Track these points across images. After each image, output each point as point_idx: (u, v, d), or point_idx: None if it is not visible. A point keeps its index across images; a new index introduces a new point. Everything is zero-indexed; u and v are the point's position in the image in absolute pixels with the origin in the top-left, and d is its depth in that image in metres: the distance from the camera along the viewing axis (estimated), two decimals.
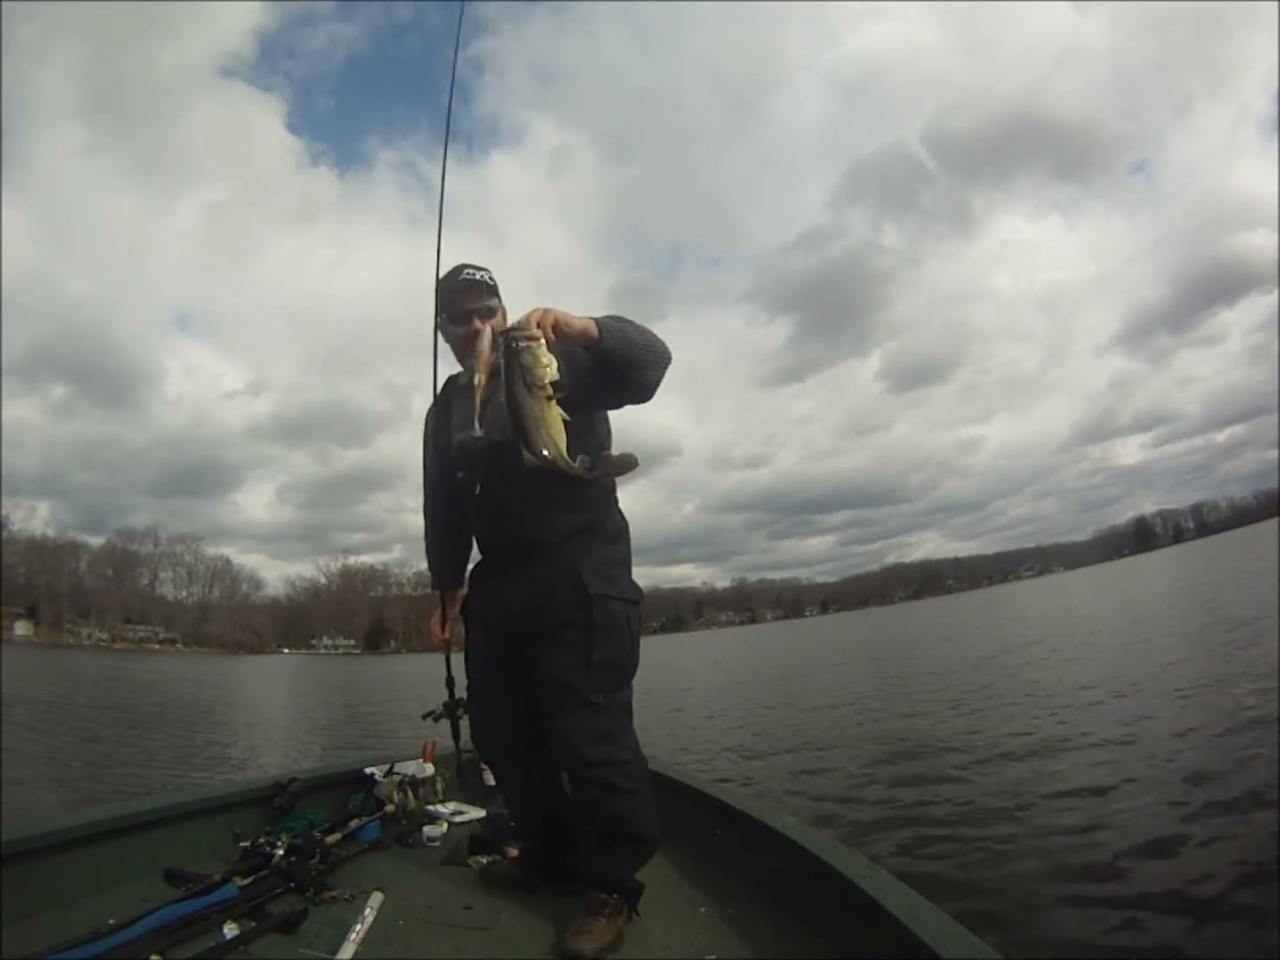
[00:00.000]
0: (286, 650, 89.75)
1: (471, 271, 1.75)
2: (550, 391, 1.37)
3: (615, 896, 1.53)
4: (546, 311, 1.40)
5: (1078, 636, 13.93)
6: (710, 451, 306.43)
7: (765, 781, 5.51)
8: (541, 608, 1.60)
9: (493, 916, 1.60)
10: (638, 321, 1.55)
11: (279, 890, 1.67)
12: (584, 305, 1.52)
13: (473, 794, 2.63)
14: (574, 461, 1.42)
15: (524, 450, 1.42)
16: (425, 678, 21.16)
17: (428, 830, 2.22)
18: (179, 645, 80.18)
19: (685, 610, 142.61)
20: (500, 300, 1.78)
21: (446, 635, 1.93)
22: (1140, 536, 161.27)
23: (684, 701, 11.48)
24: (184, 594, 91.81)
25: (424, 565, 2.00)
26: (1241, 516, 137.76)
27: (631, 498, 1.82)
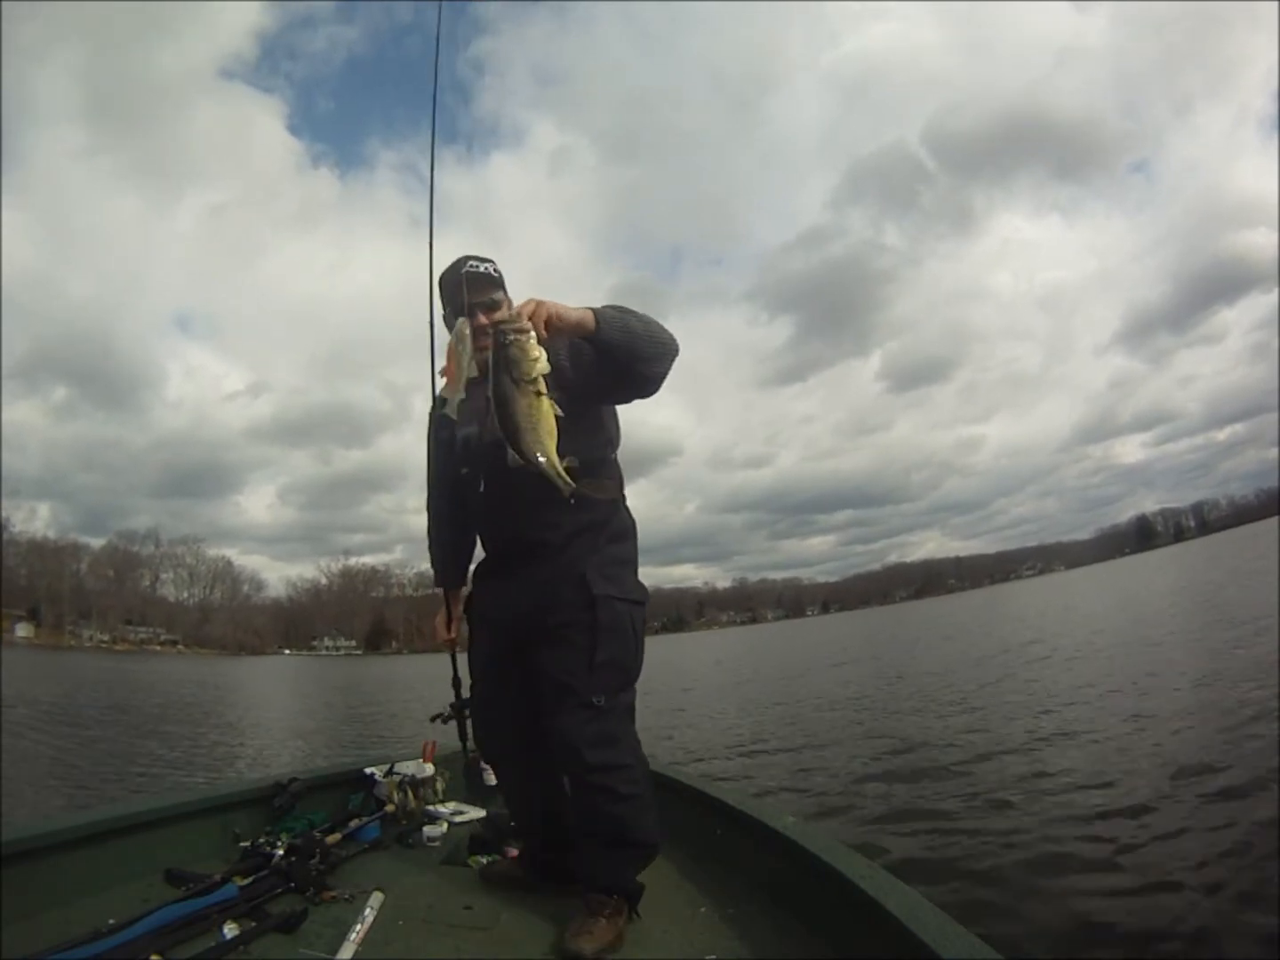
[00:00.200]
0: (287, 651, 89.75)
1: (475, 263, 1.71)
2: (540, 387, 1.32)
3: (615, 897, 1.52)
4: (540, 304, 1.36)
5: (1079, 635, 13.91)
6: (711, 451, 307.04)
7: (766, 780, 5.50)
8: (545, 608, 1.59)
9: (493, 916, 1.59)
10: (641, 312, 1.51)
11: (279, 890, 1.67)
12: (585, 305, 1.48)
13: (473, 794, 2.63)
14: (561, 463, 1.36)
15: (510, 451, 1.38)
16: (426, 678, 21.22)
17: (428, 830, 2.22)
18: (180, 647, 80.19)
19: (686, 610, 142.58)
20: (506, 292, 1.74)
21: (452, 635, 1.91)
22: (1141, 535, 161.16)
23: (686, 701, 11.47)
24: (185, 595, 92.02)
25: (425, 566, 1.98)
26: (1242, 515, 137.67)
27: (633, 498, 1.79)
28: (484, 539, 1.77)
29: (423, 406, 1.93)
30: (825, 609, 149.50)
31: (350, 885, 1.72)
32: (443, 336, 1.80)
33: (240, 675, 33.76)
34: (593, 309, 1.43)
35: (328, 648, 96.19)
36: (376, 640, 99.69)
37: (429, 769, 2.49)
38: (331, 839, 1.97)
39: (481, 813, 2.42)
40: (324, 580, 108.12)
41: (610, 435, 1.71)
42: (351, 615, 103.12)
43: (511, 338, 1.32)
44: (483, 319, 1.65)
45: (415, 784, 2.41)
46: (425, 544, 1.96)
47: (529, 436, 1.32)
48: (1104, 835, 3.43)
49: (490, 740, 1.82)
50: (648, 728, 1.72)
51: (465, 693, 1.96)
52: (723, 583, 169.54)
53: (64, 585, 76.09)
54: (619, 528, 1.69)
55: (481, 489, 1.66)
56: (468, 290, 1.67)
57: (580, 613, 1.57)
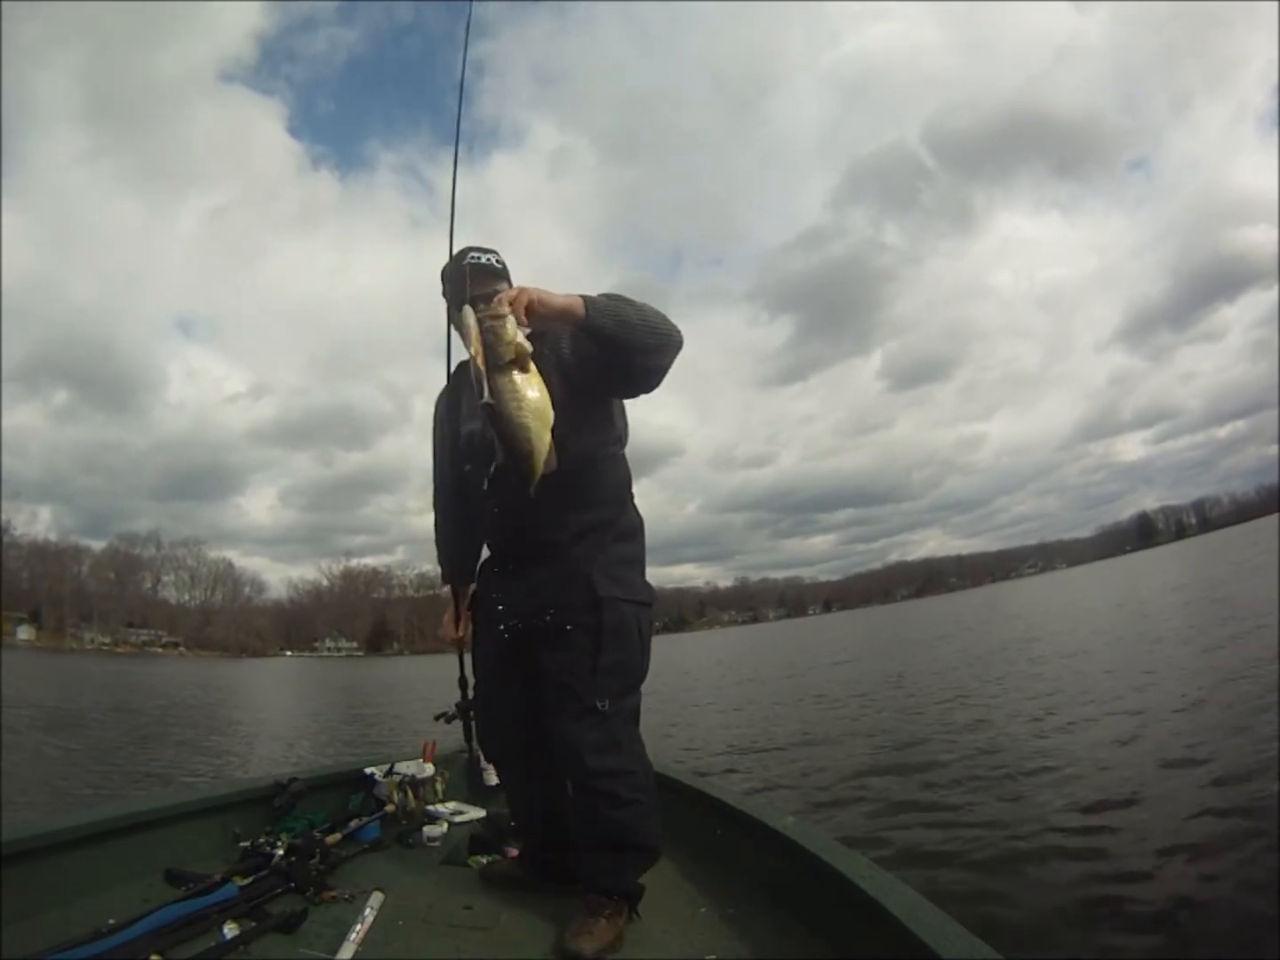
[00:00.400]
0: (289, 653, 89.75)
1: (478, 255, 1.67)
2: (515, 358, 1.29)
3: (615, 897, 1.52)
4: (521, 290, 1.33)
5: (1080, 633, 13.91)
6: (713, 451, 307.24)
7: (767, 779, 5.50)
8: (549, 609, 1.56)
9: (493, 916, 1.59)
10: (642, 302, 1.46)
11: (279, 890, 1.66)
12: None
13: (473, 794, 2.63)
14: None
15: (496, 442, 1.32)
16: (427, 679, 21.23)
17: (428, 830, 2.22)
18: (181, 649, 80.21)
19: (688, 610, 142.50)
20: (510, 283, 1.69)
21: (460, 634, 1.87)
22: (1143, 533, 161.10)
23: (687, 701, 11.46)
24: (186, 597, 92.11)
25: (426, 567, 2.00)
26: (1244, 512, 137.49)
27: (635, 498, 1.75)
28: (488, 538, 1.74)
29: (424, 407, 1.92)
30: (827, 608, 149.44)
31: (350, 885, 1.71)
32: (437, 337, 1.77)
33: (242, 677, 33.78)
34: (584, 296, 1.39)
35: (329, 649, 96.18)
36: (378, 642, 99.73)
37: (429, 769, 2.49)
38: (331, 839, 1.96)
39: (481, 813, 2.42)
40: (325, 582, 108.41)
41: (619, 432, 1.67)
42: (353, 617, 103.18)
43: (488, 323, 1.29)
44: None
45: (415, 784, 2.41)
46: (427, 544, 1.93)
47: (509, 410, 1.29)
48: (1104, 833, 3.43)
49: (492, 740, 1.80)
50: (648, 727, 1.70)
51: (471, 693, 1.93)
52: (724, 582, 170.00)
53: (65, 588, 76.16)
54: (626, 526, 1.66)
55: (485, 487, 1.63)
56: (469, 282, 1.63)
57: (585, 615, 1.54)
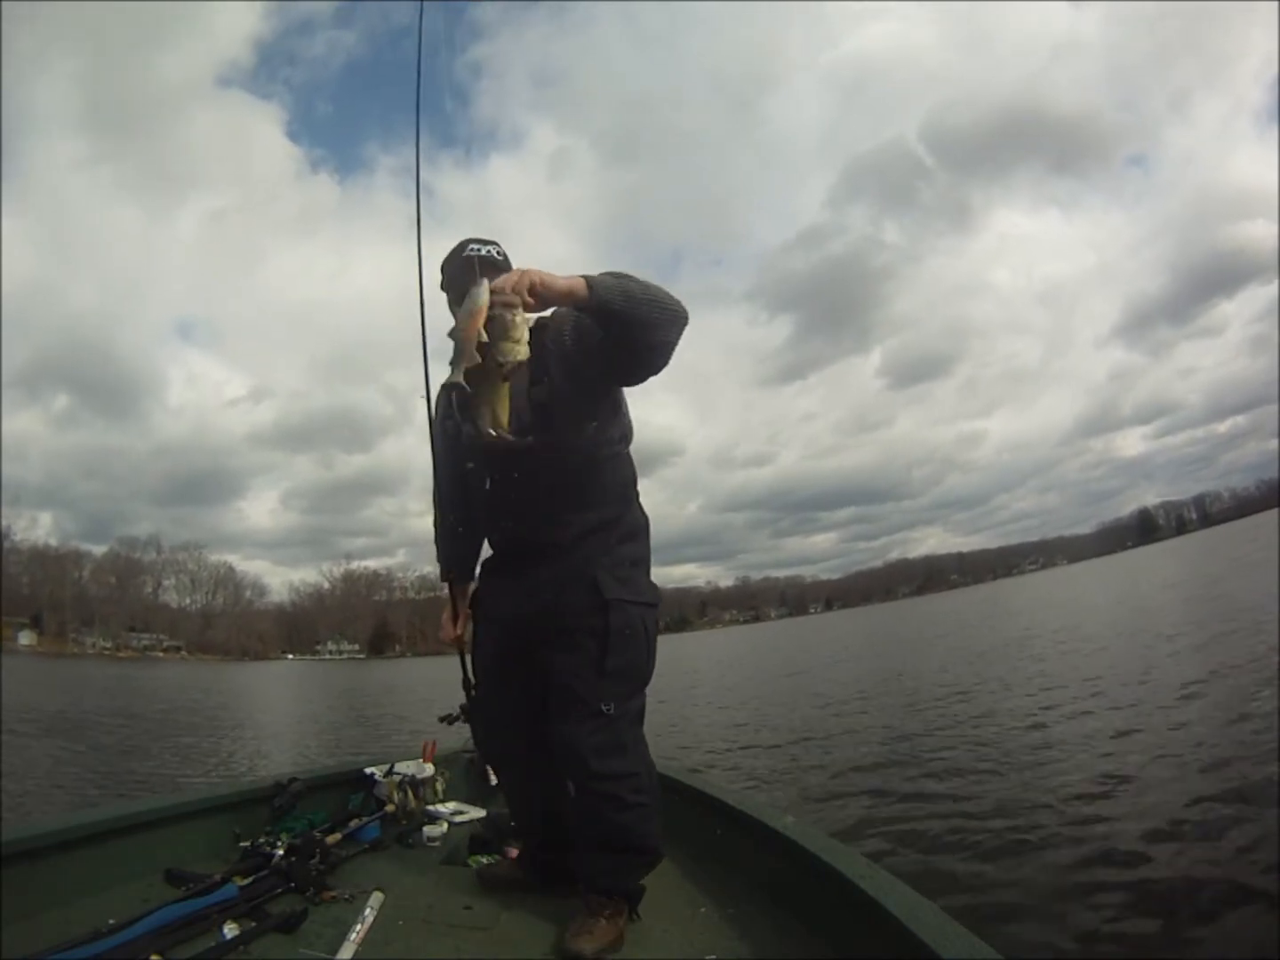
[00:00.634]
0: (291, 656, 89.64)
1: (477, 247, 1.63)
2: (508, 371, 1.25)
3: (615, 898, 1.51)
4: (524, 273, 1.29)
5: (1081, 629, 13.91)
6: (713, 451, 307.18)
7: (767, 778, 5.51)
8: (554, 610, 1.54)
9: (493, 916, 1.59)
10: (645, 279, 1.42)
11: (279, 890, 1.66)
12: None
13: (473, 794, 2.63)
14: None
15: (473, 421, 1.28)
16: (429, 681, 21.23)
17: (428, 830, 2.22)
18: (183, 653, 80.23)
19: (690, 610, 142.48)
20: None
21: (459, 633, 1.84)
22: (1143, 529, 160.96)
23: (688, 701, 11.47)
24: (187, 601, 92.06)
25: (427, 569, 1.97)
26: (1244, 507, 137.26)
27: (640, 496, 1.73)
28: (490, 536, 1.72)
29: (424, 409, 1.85)
30: (828, 607, 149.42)
31: (350, 885, 1.71)
32: (438, 338, 1.76)
33: (244, 681, 33.78)
34: (586, 276, 1.34)
35: (331, 652, 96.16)
36: (380, 644, 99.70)
37: (429, 769, 2.49)
38: (331, 839, 1.96)
39: (481, 813, 2.42)
40: (326, 585, 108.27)
41: (623, 429, 1.65)
42: (354, 619, 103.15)
43: (497, 311, 1.25)
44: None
45: (415, 784, 2.41)
46: (428, 546, 1.90)
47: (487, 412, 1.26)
48: (1104, 831, 3.43)
49: (491, 740, 1.79)
50: (649, 726, 1.70)
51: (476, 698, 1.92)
52: (725, 582, 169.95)
53: (66, 593, 76.21)
54: (631, 526, 1.64)
55: (488, 486, 1.60)
56: (470, 275, 1.55)
57: (591, 617, 1.52)
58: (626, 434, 1.66)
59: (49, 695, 17.86)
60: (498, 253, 1.64)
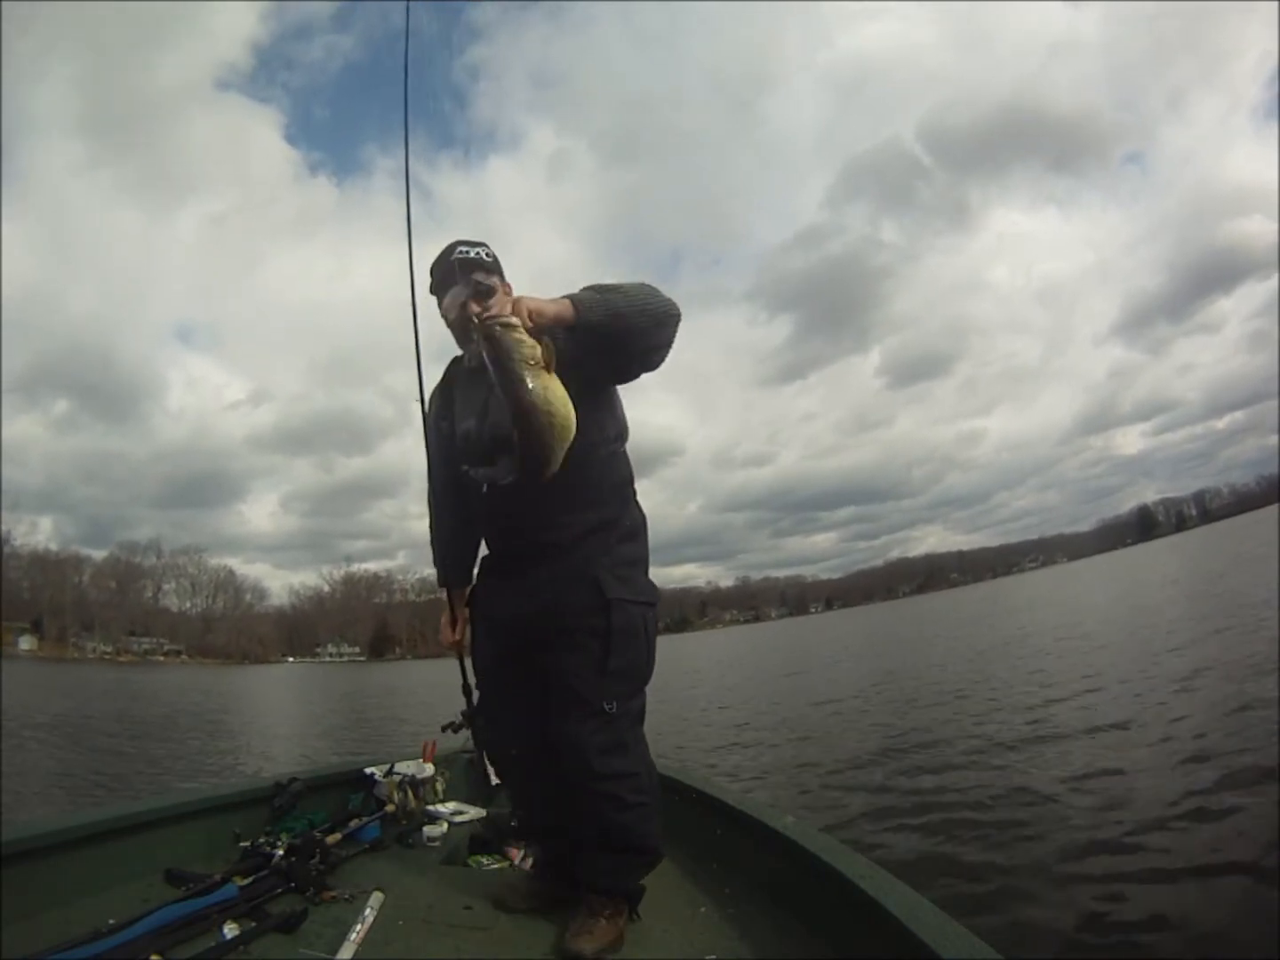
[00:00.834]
0: (291, 659, 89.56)
1: (466, 249, 1.61)
2: (543, 363, 1.28)
3: (615, 898, 1.51)
4: (516, 301, 1.30)
5: (1083, 626, 13.90)
6: (713, 451, 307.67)
7: (767, 778, 5.51)
8: (555, 611, 1.53)
9: (493, 916, 1.59)
10: (631, 284, 1.43)
11: (279, 890, 1.66)
12: (566, 295, 1.44)
13: (473, 794, 2.63)
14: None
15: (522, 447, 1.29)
16: (429, 684, 21.22)
17: (428, 830, 2.22)
18: (184, 657, 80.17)
19: (690, 610, 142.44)
20: (503, 277, 1.65)
21: (458, 637, 1.83)
22: (1143, 525, 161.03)
23: (688, 701, 11.47)
24: (188, 605, 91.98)
25: (428, 571, 1.91)
26: (1244, 502, 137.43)
27: (637, 495, 1.73)
28: (488, 538, 1.70)
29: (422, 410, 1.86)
30: (829, 606, 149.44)
31: (350, 885, 1.71)
32: (437, 340, 1.73)
33: (245, 684, 33.76)
34: (570, 297, 1.35)
35: (331, 655, 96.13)
36: (380, 647, 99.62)
37: (429, 769, 2.49)
38: (331, 839, 1.96)
39: (481, 813, 2.42)
40: (327, 588, 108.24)
41: (620, 428, 1.64)
42: (355, 622, 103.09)
43: (499, 329, 1.27)
44: (474, 306, 1.58)
45: (415, 784, 2.41)
46: (428, 548, 1.87)
47: (541, 412, 1.27)
48: (1104, 828, 3.43)
49: (494, 740, 1.78)
50: (649, 727, 1.70)
51: (476, 696, 1.91)
52: (726, 582, 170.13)
53: (66, 597, 76.16)
54: (630, 525, 1.63)
55: (485, 489, 1.58)
56: (460, 278, 1.59)
57: (593, 617, 1.52)
58: (622, 432, 1.66)
59: (49, 699, 17.85)
60: (486, 254, 1.63)
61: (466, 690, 1.89)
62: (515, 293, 1.59)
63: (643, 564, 1.65)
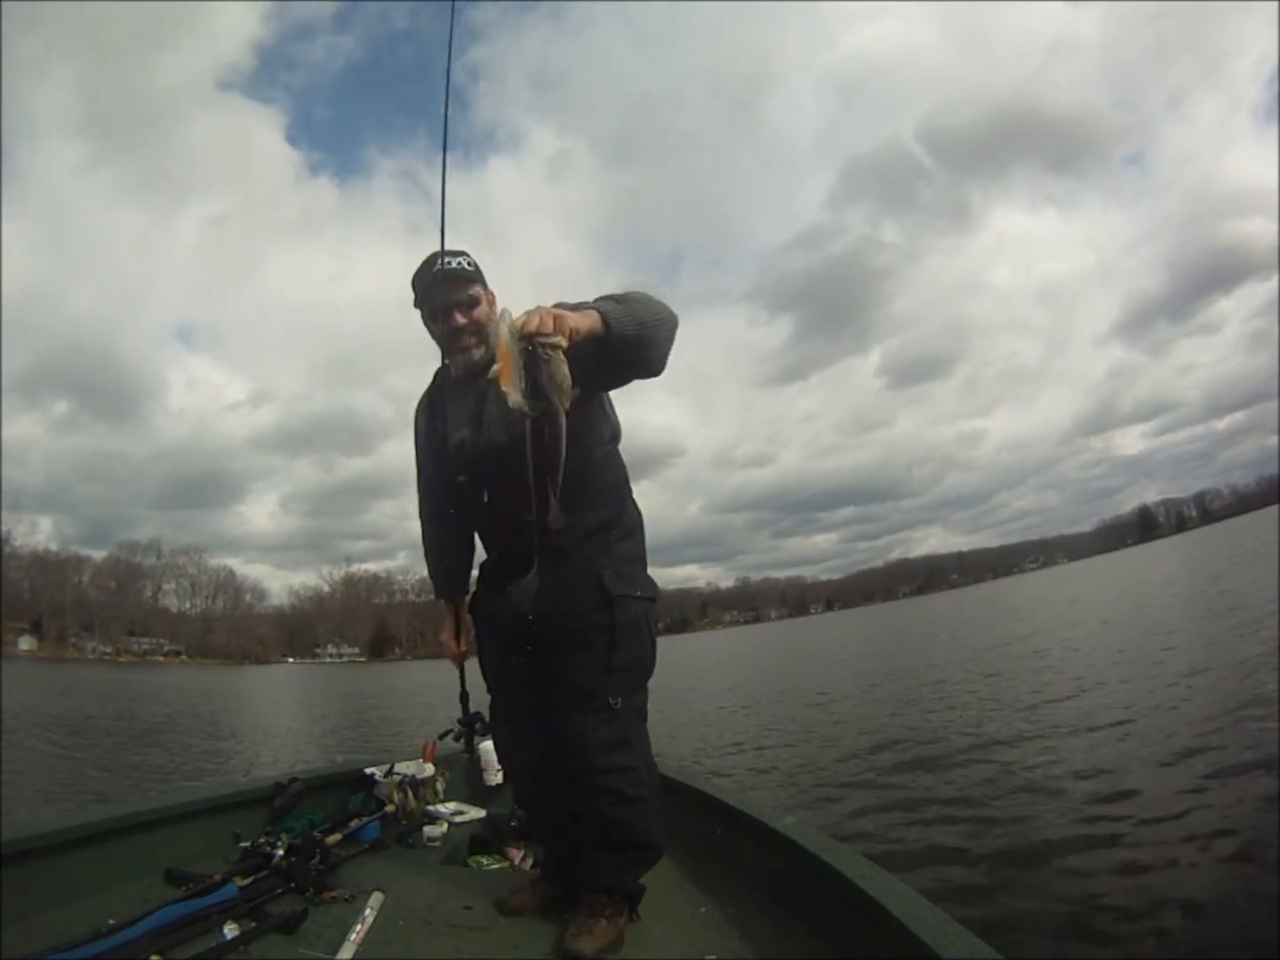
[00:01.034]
0: (291, 660, 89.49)
1: (448, 259, 1.61)
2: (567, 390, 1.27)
3: (616, 897, 1.51)
4: (558, 317, 1.25)
5: (1081, 627, 13.93)
6: (713, 451, 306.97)
7: (767, 777, 5.51)
8: (561, 611, 1.54)
9: (493, 916, 1.59)
10: (637, 293, 1.45)
11: (279, 890, 1.67)
12: (582, 302, 1.43)
13: (473, 794, 2.64)
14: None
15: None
16: (429, 685, 21.21)
17: (428, 830, 2.22)
18: (183, 657, 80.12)
19: (690, 611, 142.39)
20: (485, 285, 1.66)
21: (463, 649, 1.83)
22: (1143, 526, 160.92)
23: (688, 701, 11.47)
24: (187, 605, 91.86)
25: (427, 572, 1.93)
26: (1245, 503, 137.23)
27: (636, 499, 1.74)
28: (489, 543, 1.71)
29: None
30: (829, 607, 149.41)
31: (350, 885, 1.72)
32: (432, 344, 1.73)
33: (244, 684, 33.78)
34: (598, 310, 1.34)
35: (331, 655, 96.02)
36: (380, 647, 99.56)
37: (429, 769, 2.50)
38: (331, 839, 1.97)
39: (481, 813, 2.43)
40: (326, 588, 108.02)
41: (613, 428, 1.66)
42: (355, 622, 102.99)
43: (548, 355, 1.23)
44: (459, 319, 1.60)
45: (415, 784, 2.42)
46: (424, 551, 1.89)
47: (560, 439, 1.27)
48: (1104, 828, 3.43)
49: (514, 754, 1.74)
50: (650, 726, 1.70)
51: (473, 707, 1.94)
52: (726, 582, 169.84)
53: (66, 598, 76.10)
54: (628, 524, 1.65)
55: (486, 498, 1.60)
56: (443, 288, 1.60)
57: (598, 615, 1.53)
58: (616, 433, 1.68)
59: (49, 699, 17.86)
60: (468, 264, 1.64)
61: (464, 697, 1.92)
62: (513, 303, 1.58)
63: (641, 561, 1.67)
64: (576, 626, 1.54)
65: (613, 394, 1.67)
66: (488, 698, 1.77)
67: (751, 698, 11.47)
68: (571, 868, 1.62)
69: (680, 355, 1.49)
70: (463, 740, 1.99)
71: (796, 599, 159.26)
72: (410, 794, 2.38)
